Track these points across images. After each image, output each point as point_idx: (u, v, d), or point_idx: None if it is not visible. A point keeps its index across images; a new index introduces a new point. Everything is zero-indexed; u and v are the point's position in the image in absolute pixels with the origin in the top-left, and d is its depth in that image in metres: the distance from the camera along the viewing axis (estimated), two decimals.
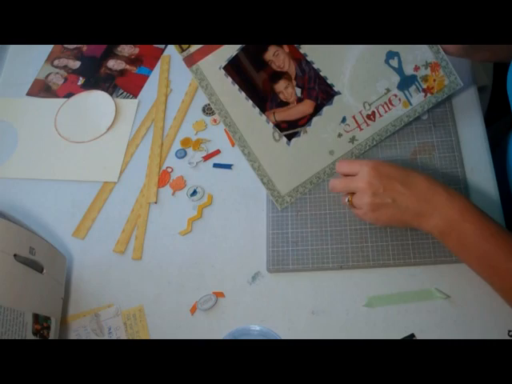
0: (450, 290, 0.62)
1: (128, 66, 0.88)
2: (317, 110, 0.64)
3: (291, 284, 0.66)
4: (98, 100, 0.85)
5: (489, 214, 0.58)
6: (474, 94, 0.74)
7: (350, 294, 0.64)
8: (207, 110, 0.80)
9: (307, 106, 0.64)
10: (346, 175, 0.61)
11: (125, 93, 0.85)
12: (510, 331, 0.59)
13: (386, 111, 0.66)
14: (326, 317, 0.63)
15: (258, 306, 0.65)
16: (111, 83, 0.86)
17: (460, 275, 0.62)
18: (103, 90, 0.85)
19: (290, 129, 0.64)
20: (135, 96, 0.84)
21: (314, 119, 0.64)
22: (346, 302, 0.64)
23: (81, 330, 0.67)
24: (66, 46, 0.92)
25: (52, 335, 0.63)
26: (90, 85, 0.86)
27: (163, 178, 0.76)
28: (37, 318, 0.61)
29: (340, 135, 0.65)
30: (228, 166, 0.75)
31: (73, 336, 0.67)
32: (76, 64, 0.89)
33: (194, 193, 0.74)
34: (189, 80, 0.83)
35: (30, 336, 0.59)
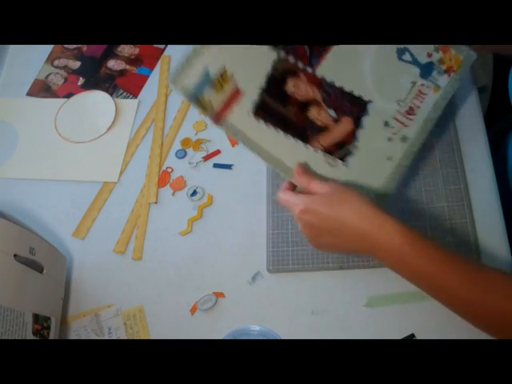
0: None
1: (128, 66, 0.88)
2: (357, 124, 0.64)
3: (291, 284, 0.66)
4: (97, 100, 0.85)
5: (489, 214, 0.58)
6: (474, 94, 0.74)
7: (350, 294, 0.64)
8: None
9: (346, 123, 0.64)
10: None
11: (125, 93, 0.85)
12: None
13: (421, 102, 0.66)
14: (326, 317, 0.63)
15: (258, 306, 0.65)
16: (111, 83, 0.86)
17: None
18: (103, 90, 0.85)
19: (340, 150, 0.63)
20: (135, 96, 0.84)
21: (359, 133, 0.63)
22: (346, 302, 0.64)
23: (81, 330, 0.67)
24: (66, 46, 0.92)
25: (52, 335, 0.63)
26: (89, 85, 0.86)
27: (163, 178, 0.76)
28: (37, 318, 0.61)
29: (390, 139, 0.64)
30: (228, 166, 0.75)
31: (73, 336, 0.67)
32: (76, 64, 0.89)
33: (194, 193, 0.74)
34: None
35: (30, 336, 0.59)
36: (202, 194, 0.73)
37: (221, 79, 0.62)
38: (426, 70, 0.67)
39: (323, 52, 0.65)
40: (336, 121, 0.63)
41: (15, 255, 0.60)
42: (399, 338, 0.61)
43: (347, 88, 0.63)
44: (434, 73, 0.67)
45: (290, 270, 0.66)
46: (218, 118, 0.61)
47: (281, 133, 0.62)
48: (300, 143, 0.62)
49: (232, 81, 0.62)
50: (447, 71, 0.67)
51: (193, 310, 0.66)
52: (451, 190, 0.67)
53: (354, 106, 0.63)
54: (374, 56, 0.66)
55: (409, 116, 0.65)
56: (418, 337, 0.61)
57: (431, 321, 0.61)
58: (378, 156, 0.63)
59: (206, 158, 0.76)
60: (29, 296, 0.61)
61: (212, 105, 0.61)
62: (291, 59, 0.61)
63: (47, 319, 0.62)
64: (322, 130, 0.63)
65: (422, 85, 0.66)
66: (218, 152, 0.76)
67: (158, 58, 0.87)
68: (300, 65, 0.62)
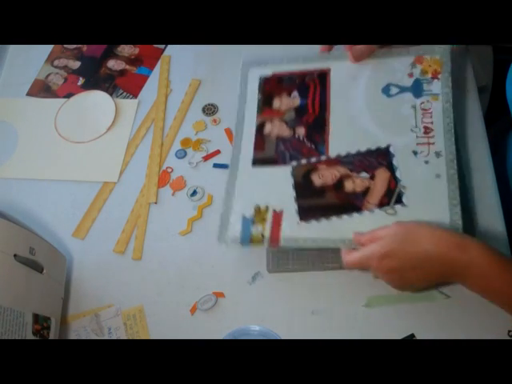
0: (450, 289, 0.62)
1: (128, 66, 0.88)
2: (391, 169, 0.65)
3: (291, 284, 0.66)
4: (97, 100, 0.85)
5: (489, 214, 0.58)
6: (474, 94, 0.74)
7: (350, 294, 0.64)
8: (207, 110, 0.80)
9: (382, 173, 0.65)
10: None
11: (125, 93, 0.85)
12: (509, 331, 0.59)
13: (430, 117, 0.68)
14: (326, 317, 0.63)
15: (258, 306, 0.65)
16: (111, 83, 0.86)
17: None
18: (103, 90, 0.85)
19: (392, 197, 0.64)
20: (135, 96, 0.84)
21: (398, 174, 0.65)
22: (346, 302, 0.64)
23: (81, 330, 0.67)
24: (65, 46, 0.92)
25: (52, 335, 0.62)
26: (90, 85, 0.86)
27: (163, 178, 0.76)
28: (37, 318, 0.61)
29: (427, 162, 0.65)
30: (228, 167, 0.75)
31: (73, 336, 0.67)
32: (76, 64, 0.89)
33: (194, 193, 0.74)
34: (189, 80, 0.83)
35: (30, 336, 0.59)
36: (202, 193, 0.73)
37: (258, 214, 0.66)
38: (417, 89, 0.69)
39: (324, 137, 0.69)
40: (372, 177, 0.65)
41: (15, 255, 0.60)
42: (399, 337, 0.61)
43: (363, 149, 0.65)
44: (425, 86, 0.69)
45: (290, 270, 0.66)
46: (274, 241, 0.64)
47: (334, 218, 0.64)
48: (355, 215, 0.64)
49: (268, 209, 0.66)
50: (434, 76, 0.69)
51: (193, 310, 0.66)
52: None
53: (379, 158, 0.65)
54: (367, 108, 0.69)
55: (428, 135, 0.67)
56: (418, 337, 0.60)
57: (431, 321, 0.61)
58: (426, 179, 0.64)
59: (206, 158, 0.76)
60: (29, 296, 0.61)
61: (263, 236, 0.64)
62: (304, 161, 0.64)
63: (47, 319, 0.62)
64: (366, 192, 0.64)
65: (422, 103, 0.68)
66: (217, 152, 0.76)
67: (157, 58, 0.87)
68: (313, 160, 0.64)
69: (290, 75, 0.75)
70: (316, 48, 0.74)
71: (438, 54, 0.70)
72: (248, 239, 0.65)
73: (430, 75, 0.69)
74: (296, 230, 0.64)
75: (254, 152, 0.71)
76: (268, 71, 0.75)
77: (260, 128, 0.73)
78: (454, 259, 0.54)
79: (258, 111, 0.74)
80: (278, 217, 0.66)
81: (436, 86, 0.69)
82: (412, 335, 0.61)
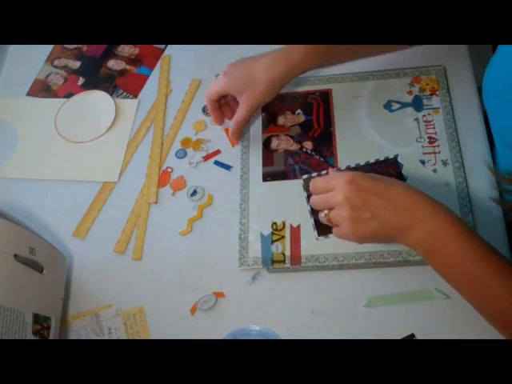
0: (450, 289, 0.62)
1: (128, 66, 0.88)
2: (402, 179, 0.66)
3: (291, 284, 0.66)
4: (97, 100, 0.85)
5: (489, 213, 0.58)
6: (473, 94, 0.74)
7: (349, 294, 0.64)
8: (207, 110, 0.80)
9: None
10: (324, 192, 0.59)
11: (125, 93, 0.85)
12: None
13: (434, 127, 0.71)
14: (326, 317, 0.63)
15: (258, 306, 0.65)
16: (111, 83, 0.86)
17: None
18: (103, 90, 0.85)
19: None
20: (135, 96, 0.84)
21: (409, 182, 0.66)
22: (346, 302, 0.64)
23: (81, 330, 0.67)
24: (65, 46, 0.92)
25: (52, 335, 0.62)
26: (89, 85, 0.86)
27: (163, 178, 0.76)
28: (37, 318, 0.61)
29: (435, 171, 0.68)
30: (227, 168, 0.75)
31: (73, 336, 0.67)
32: (76, 64, 0.89)
33: (194, 193, 0.74)
34: (189, 80, 0.83)
35: (30, 336, 0.59)
36: (202, 193, 0.73)
37: (277, 230, 0.67)
38: (417, 104, 0.73)
39: (332, 150, 0.72)
40: None
41: (15, 255, 0.60)
42: (399, 337, 0.61)
43: (372, 160, 0.66)
44: (425, 101, 0.73)
45: (290, 270, 0.66)
46: (295, 259, 0.65)
47: None
48: None
49: (285, 224, 0.68)
50: (432, 93, 0.74)
51: (193, 310, 0.66)
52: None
53: (388, 168, 0.66)
54: (371, 123, 0.73)
55: (433, 144, 0.70)
56: (418, 337, 0.60)
57: (431, 321, 0.61)
58: (436, 188, 0.66)
59: (206, 158, 0.76)
60: (29, 296, 0.61)
61: (284, 254, 0.66)
62: (314, 174, 0.64)
63: (47, 319, 0.62)
64: None
65: (423, 116, 0.72)
66: (217, 152, 0.76)
67: (157, 58, 0.87)
68: (324, 172, 0.65)
69: (293, 94, 0.78)
70: (316, 72, 0.77)
71: (433, 75, 0.75)
72: (269, 260, 0.66)
73: (428, 92, 0.74)
74: (316, 247, 0.65)
75: (263, 167, 0.72)
76: None
77: (267, 143, 0.74)
78: (421, 217, 0.54)
79: (263, 128, 0.76)
80: (296, 232, 0.67)
81: (436, 101, 0.73)
82: (412, 335, 0.61)
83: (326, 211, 0.59)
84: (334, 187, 0.57)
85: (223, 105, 0.74)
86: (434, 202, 0.55)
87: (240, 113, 0.70)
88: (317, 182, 0.60)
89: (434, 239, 0.53)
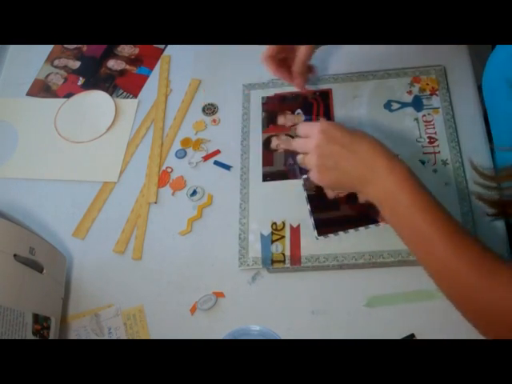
0: None
1: (128, 66, 0.88)
2: None
3: (291, 284, 0.66)
4: (97, 100, 0.85)
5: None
6: (473, 94, 0.74)
7: (349, 294, 0.64)
8: (207, 110, 0.80)
9: None
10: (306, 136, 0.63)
11: (125, 93, 0.85)
12: None
13: (433, 128, 0.71)
14: (326, 317, 0.63)
15: (258, 306, 0.65)
16: (111, 83, 0.86)
17: None
18: (103, 90, 0.85)
19: None
20: (135, 96, 0.84)
21: None
22: (346, 302, 0.64)
23: (81, 330, 0.67)
24: (66, 46, 0.92)
25: (52, 335, 0.63)
26: (90, 85, 0.86)
27: (163, 178, 0.76)
28: (37, 318, 0.61)
29: (435, 171, 0.68)
30: (227, 168, 0.75)
31: (73, 336, 0.67)
32: (76, 64, 0.89)
33: (194, 193, 0.74)
34: (189, 80, 0.83)
35: (30, 336, 0.59)
36: (202, 193, 0.73)
37: (276, 230, 0.67)
38: (417, 104, 0.74)
39: None
40: None
41: (15, 255, 0.60)
42: (399, 337, 0.61)
43: None
44: (424, 101, 0.74)
45: (290, 270, 0.66)
46: (295, 259, 0.65)
47: (351, 230, 0.66)
48: (371, 226, 0.66)
49: (285, 224, 0.68)
50: (432, 93, 0.74)
51: (193, 310, 0.66)
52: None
53: None
54: (371, 122, 0.73)
55: (433, 144, 0.70)
56: (418, 337, 0.60)
57: (431, 321, 0.61)
58: (437, 188, 0.64)
59: (206, 158, 0.76)
60: (29, 296, 0.61)
61: (284, 254, 0.65)
62: None
63: (47, 319, 0.62)
64: None
65: (423, 115, 0.73)
66: (217, 152, 0.76)
67: (157, 58, 0.87)
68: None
69: (293, 94, 0.78)
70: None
71: (433, 75, 0.75)
72: (269, 259, 0.66)
73: (428, 92, 0.74)
74: (315, 246, 0.65)
75: (263, 167, 0.72)
76: (270, 92, 0.78)
77: (266, 143, 0.74)
78: (380, 173, 0.56)
79: (262, 128, 0.76)
80: (295, 232, 0.67)
81: (436, 101, 0.73)
82: (412, 335, 0.61)
83: (302, 155, 0.63)
84: (311, 134, 0.61)
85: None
86: (394, 160, 0.57)
87: (302, 49, 0.68)
88: (300, 127, 0.64)
89: (388, 196, 0.56)
